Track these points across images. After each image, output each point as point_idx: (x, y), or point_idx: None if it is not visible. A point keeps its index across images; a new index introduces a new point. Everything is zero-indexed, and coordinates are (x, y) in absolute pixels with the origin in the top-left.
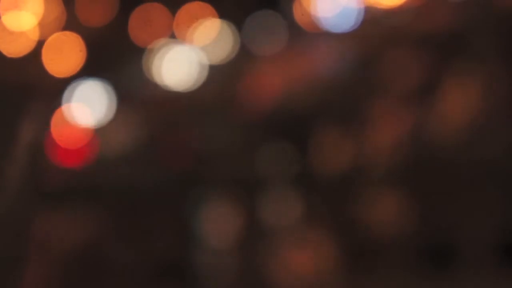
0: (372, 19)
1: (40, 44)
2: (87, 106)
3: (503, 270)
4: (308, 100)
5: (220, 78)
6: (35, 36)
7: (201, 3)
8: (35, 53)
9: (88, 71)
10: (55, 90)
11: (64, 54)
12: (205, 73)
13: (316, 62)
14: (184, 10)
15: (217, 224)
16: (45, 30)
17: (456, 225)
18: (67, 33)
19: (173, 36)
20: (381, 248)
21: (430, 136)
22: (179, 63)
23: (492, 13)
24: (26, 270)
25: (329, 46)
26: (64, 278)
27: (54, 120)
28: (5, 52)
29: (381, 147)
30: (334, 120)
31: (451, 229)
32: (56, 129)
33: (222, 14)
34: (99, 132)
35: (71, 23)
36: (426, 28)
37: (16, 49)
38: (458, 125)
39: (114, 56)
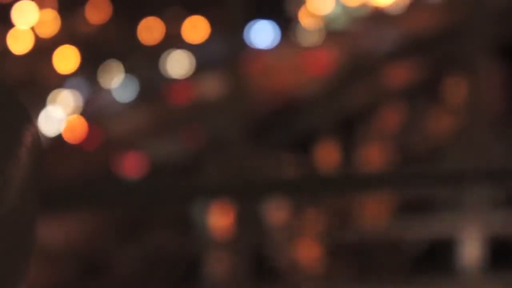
0: (368, 21)
1: (41, 44)
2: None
3: (490, 273)
4: (306, 102)
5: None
6: (35, 36)
7: (197, 16)
8: (37, 52)
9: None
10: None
11: (63, 55)
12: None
13: (316, 65)
14: (183, 23)
15: (219, 221)
16: (44, 31)
17: (448, 227)
18: (67, 40)
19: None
20: (375, 249)
21: (425, 137)
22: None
23: (484, 15)
24: (28, 271)
25: (328, 50)
26: (66, 278)
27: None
28: (13, 50)
29: (378, 148)
30: (332, 122)
31: (443, 231)
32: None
33: (215, 26)
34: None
35: (69, 26)
36: (418, 30)
37: (21, 48)
38: (451, 127)
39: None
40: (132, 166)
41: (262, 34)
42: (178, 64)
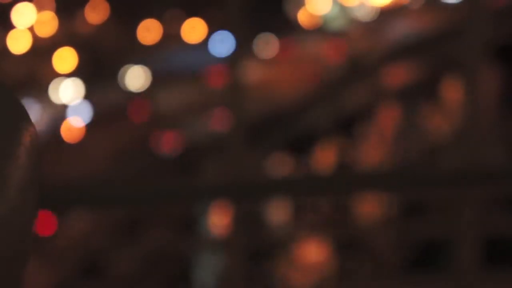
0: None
1: (39, 45)
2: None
3: (486, 270)
4: (305, 103)
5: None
6: (33, 37)
7: (196, 18)
8: (36, 52)
9: (83, 69)
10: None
11: (61, 55)
12: None
13: (315, 67)
14: (183, 25)
15: (220, 221)
16: (42, 32)
17: (444, 225)
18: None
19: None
20: (372, 249)
21: (423, 137)
22: None
23: (481, 15)
24: (28, 271)
25: (328, 51)
26: (67, 278)
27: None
28: (12, 50)
29: (376, 148)
30: (331, 122)
31: (438, 229)
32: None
33: (213, 28)
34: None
35: (67, 27)
36: (417, 31)
37: (20, 48)
38: (449, 127)
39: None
40: (168, 143)
41: (222, 45)
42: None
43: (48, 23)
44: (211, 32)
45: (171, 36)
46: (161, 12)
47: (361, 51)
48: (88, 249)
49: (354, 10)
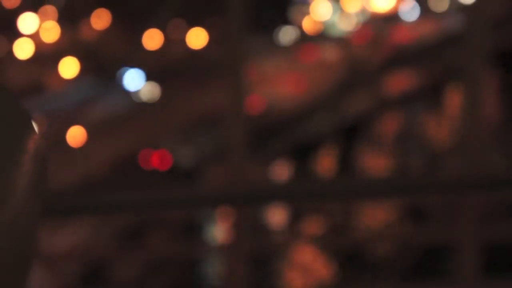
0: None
1: (43, 52)
2: None
3: (486, 276)
4: (307, 110)
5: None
6: (38, 44)
7: (198, 28)
8: (40, 59)
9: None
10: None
11: (65, 62)
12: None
13: (318, 72)
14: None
15: (223, 227)
16: (47, 39)
17: (445, 232)
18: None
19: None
20: (373, 255)
21: (424, 144)
22: None
23: (482, 23)
24: (30, 278)
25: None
26: (70, 284)
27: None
28: (18, 56)
29: (378, 155)
30: (333, 129)
31: (439, 235)
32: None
33: (214, 36)
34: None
35: (71, 35)
36: (418, 38)
37: (24, 55)
38: (450, 134)
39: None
40: (253, 105)
41: (133, 79)
42: None
43: (52, 31)
44: (211, 40)
45: (173, 44)
46: (163, 21)
47: (363, 58)
48: (92, 256)
49: (355, 16)
